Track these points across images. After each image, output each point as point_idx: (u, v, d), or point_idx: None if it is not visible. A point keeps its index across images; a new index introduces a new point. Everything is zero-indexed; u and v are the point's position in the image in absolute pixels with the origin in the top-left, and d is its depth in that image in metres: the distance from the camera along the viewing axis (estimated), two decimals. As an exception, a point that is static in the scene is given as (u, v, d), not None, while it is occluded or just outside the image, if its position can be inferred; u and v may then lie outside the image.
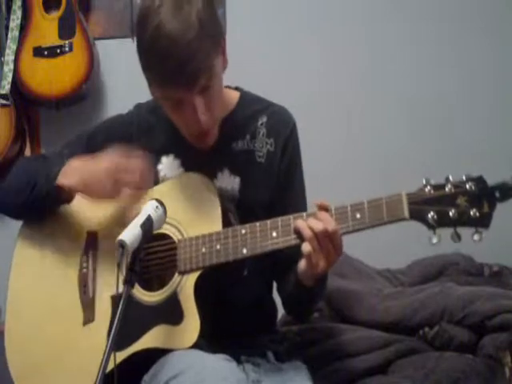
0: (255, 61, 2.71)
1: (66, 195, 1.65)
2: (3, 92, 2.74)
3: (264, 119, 1.71)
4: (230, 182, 1.66)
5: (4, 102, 2.75)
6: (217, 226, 1.56)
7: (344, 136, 2.73)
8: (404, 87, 2.72)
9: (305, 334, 2.03)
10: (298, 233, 1.46)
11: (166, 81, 1.49)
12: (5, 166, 2.76)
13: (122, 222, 1.56)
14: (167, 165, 1.70)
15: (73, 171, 1.60)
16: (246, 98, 1.74)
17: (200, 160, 1.64)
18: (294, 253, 1.51)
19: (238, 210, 1.62)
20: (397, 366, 1.90)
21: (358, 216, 1.43)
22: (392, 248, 2.57)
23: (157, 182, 1.69)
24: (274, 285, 1.78)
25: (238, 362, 1.61)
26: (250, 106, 1.73)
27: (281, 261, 1.64)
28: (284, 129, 1.71)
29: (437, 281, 2.19)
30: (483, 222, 1.37)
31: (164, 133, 1.69)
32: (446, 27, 2.71)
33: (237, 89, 1.76)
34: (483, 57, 2.68)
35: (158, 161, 1.71)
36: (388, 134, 2.70)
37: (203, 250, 1.54)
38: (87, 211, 1.68)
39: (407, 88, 2.71)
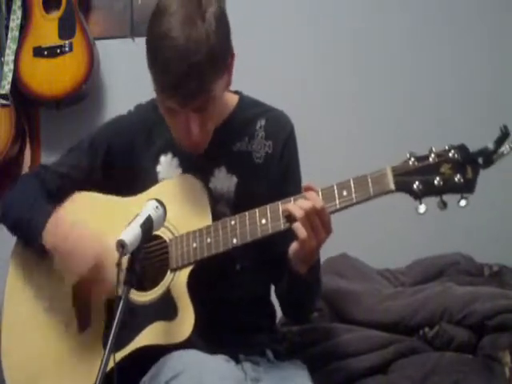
0: (255, 60, 2.70)
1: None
2: (3, 92, 2.74)
3: (262, 122, 1.72)
4: (226, 180, 1.67)
5: (4, 102, 2.74)
6: (207, 221, 1.57)
7: (344, 135, 2.73)
8: (403, 86, 2.72)
9: (305, 334, 2.03)
10: (288, 215, 1.48)
11: (164, 90, 1.51)
12: (5, 166, 2.77)
13: (113, 231, 1.57)
14: (166, 164, 1.71)
15: (57, 235, 1.60)
16: (245, 102, 1.75)
17: (198, 159, 1.65)
18: (286, 247, 1.53)
19: (234, 212, 1.62)
20: (397, 366, 1.90)
21: (345, 193, 1.45)
22: (392, 248, 2.57)
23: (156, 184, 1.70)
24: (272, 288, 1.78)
25: (237, 360, 1.61)
26: (249, 109, 1.74)
27: (276, 261, 1.65)
28: (282, 132, 1.72)
29: (437, 281, 2.19)
30: (468, 187, 1.38)
31: (163, 132, 1.70)
32: (445, 25, 2.71)
33: (236, 92, 1.77)
34: (482, 56, 2.68)
35: (156, 161, 1.72)
36: (388, 133, 2.69)
37: (194, 244, 1.56)
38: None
39: (406, 87, 2.71)
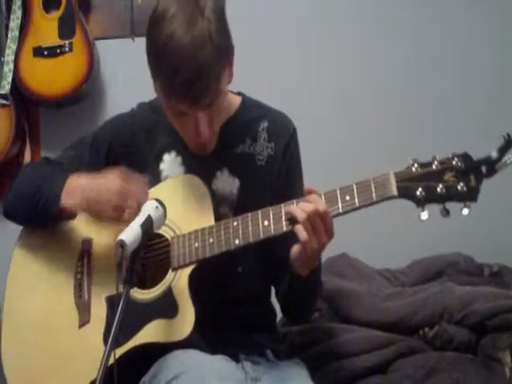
0: (255, 60, 2.70)
1: (70, 213, 1.66)
2: (3, 92, 2.74)
3: (265, 124, 1.72)
4: (229, 183, 1.67)
5: (4, 101, 2.74)
6: (209, 221, 1.58)
7: (347, 138, 2.72)
8: (407, 88, 2.72)
9: (305, 334, 2.03)
10: (291, 217, 1.48)
11: (172, 94, 1.50)
12: (5, 166, 2.77)
13: (116, 228, 1.58)
14: (169, 163, 1.71)
15: (77, 190, 1.62)
16: (248, 103, 1.76)
17: (201, 159, 1.65)
18: (288, 253, 1.53)
19: (236, 215, 1.62)
20: (397, 366, 1.90)
21: (348, 198, 1.45)
22: (392, 248, 2.57)
23: (159, 182, 1.70)
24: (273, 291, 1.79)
25: (237, 360, 1.62)
26: (251, 111, 1.74)
27: (277, 266, 1.66)
28: (284, 134, 1.73)
29: (437, 281, 2.19)
30: (471, 195, 1.38)
31: (166, 131, 1.70)
32: (445, 24, 2.71)
33: (239, 93, 1.77)
34: (482, 53, 2.68)
35: (160, 160, 1.72)
36: (391, 136, 2.69)
37: (196, 244, 1.56)
38: (82, 219, 1.70)
39: (411, 89, 2.71)
